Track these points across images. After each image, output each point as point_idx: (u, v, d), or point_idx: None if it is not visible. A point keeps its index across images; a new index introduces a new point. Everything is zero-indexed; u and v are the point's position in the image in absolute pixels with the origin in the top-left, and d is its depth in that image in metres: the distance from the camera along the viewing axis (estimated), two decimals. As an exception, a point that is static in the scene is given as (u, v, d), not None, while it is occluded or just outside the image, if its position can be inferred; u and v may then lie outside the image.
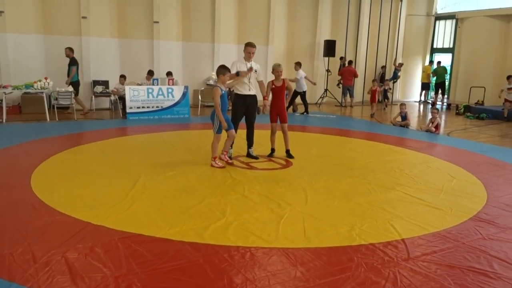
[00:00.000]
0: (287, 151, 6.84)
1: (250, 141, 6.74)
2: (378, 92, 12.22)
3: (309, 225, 4.00)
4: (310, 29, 15.89)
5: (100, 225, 3.82)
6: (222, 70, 5.96)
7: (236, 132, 6.37)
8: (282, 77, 6.73)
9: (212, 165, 6.10)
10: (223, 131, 6.05)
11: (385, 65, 16.87)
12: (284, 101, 6.80)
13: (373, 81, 13.35)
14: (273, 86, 6.69)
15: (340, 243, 3.64)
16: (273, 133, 6.83)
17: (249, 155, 6.74)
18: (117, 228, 3.78)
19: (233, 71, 6.28)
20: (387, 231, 3.94)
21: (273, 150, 6.87)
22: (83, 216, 4.02)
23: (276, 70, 6.66)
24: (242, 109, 6.43)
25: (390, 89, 14.51)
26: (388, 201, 4.81)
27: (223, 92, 5.89)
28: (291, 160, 6.63)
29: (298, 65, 12.70)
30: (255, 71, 6.44)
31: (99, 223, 3.87)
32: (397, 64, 16.81)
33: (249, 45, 6.43)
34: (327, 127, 10.31)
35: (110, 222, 3.90)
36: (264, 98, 6.55)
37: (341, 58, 15.79)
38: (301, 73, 12.56)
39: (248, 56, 6.42)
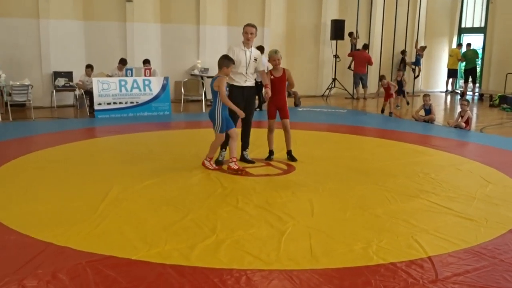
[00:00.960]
0: (289, 153, 6.84)
1: (245, 142, 6.75)
2: (392, 86, 12.02)
3: (316, 242, 3.99)
4: (314, 7, 15.92)
5: (64, 246, 3.79)
6: (226, 61, 6.10)
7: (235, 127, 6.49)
8: (282, 66, 6.71)
9: (203, 164, 6.29)
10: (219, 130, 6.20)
11: (405, 50, 16.89)
12: (285, 94, 6.78)
13: (399, 70, 13.12)
14: (272, 76, 6.66)
15: (354, 263, 3.62)
16: (270, 131, 6.83)
17: (243, 158, 6.73)
18: (85, 249, 3.74)
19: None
20: (410, 247, 3.93)
21: (271, 152, 6.88)
22: (43, 235, 3.98)
23: (273, 58, 6.58)
24: (242, 102, 6.48)
25: (405, 81, 14.03)
26: (411, 211, 4.81)
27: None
28: (293, 163, 6.62)
29: (260, 49, 12.57)
30: (255, 59, 6.52)
31: (63, 243, 3.84)
32: (418, 47, 16.85)
33: (247, 25, 6.52)
34: (336, 124, 10.32)
35: (77, 243, 3.86)
36: (265, 86, 6.60)
37: (350, 34, 15.75)
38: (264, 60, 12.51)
39: (246, 39, 6.47)
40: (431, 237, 4.15)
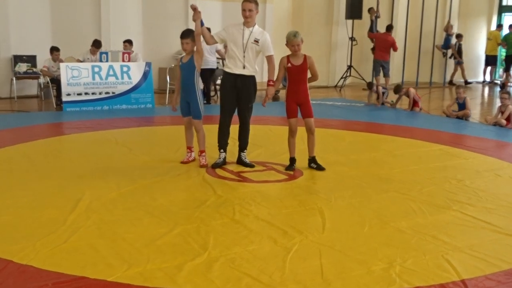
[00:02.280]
0: (312, 160, 6.63)
1: (242, 142, 6.73)
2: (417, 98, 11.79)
3: (328, 261, 3.99)
4: (326, -20, 15.95)
5: (26, 265, 3.78)
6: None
7: (228, 124, 6.55)
8: (302, 52, 6.39)
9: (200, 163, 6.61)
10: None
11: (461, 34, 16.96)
12: (307, 86, 6.51)
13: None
14: (289, 64, 6.41)
15: (373, 287, 3.63)
16: (292, 134, 6.56)
17: (241, 161, 6.74)
18: (51, 268, 3.74)
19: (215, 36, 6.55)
20: (440, 268, 3.93)
21: (293, 160, 6.64)
22: (1, 252, 3.98)
23: (291, 42, 6.29)
24: (232, 93, 6.45)
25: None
26: (441, 225, 4.81)
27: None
28: (299, 168, 6.60)
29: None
30: (255, 40, 6.41)
31: (24, 261, 3.83)
32: (449, 31, 16.89)
33: (244, 0, 6.44)
34: (352, 120, 10.32)
35: (41, 260, 3.86)
36: (269, 83, 6.50)
37: (370, 10, 15.71)
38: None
39: (244, 16, 6.42)
40: (465, 257, 4.15)
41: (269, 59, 6.51)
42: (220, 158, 6.61)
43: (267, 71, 6.57)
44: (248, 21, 6.41)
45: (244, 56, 6.39)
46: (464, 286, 3.68)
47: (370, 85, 12.98)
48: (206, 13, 14.02)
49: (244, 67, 6.42)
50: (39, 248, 4.08)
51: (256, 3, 6.45)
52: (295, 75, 6.44)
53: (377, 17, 15.77)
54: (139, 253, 4.05)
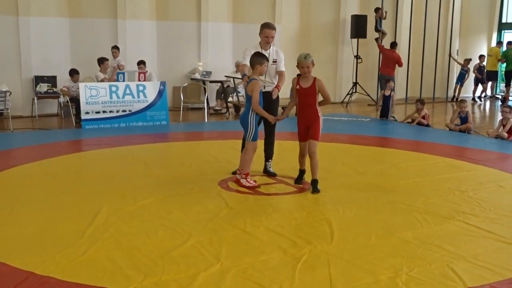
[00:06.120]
0: (313, 183, 6.20)
1: (269, 152, 6.89)
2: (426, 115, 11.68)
3: (336, 270, 3.97)
4: (332, 1, 16.08)
5: (47, 276, 3.79)
6: (259, 58, 6.17)
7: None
8: (312, 74, 6.19)
9: (237, 182, 6.35)
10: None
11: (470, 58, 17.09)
12: (317, 109, 6.20)
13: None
14: (298, 86, 6.23)
15: (380, 295, 3.60)
16: (302, 155, 6.48)
17: (266, 170, 6.91)
18: (70, 279, 3.74)
19: (246, 62, 6.47)
20: (445, 277, 3.90)
21: (302, 172, 6.58)
22: (23, 264, 3.99)
23: (301, 64, 6.09)
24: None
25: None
26: (445, 235, 4.78)
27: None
28: (308, 181, 6.57)
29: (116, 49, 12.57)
30: (274, 61, 6.62)
31: (45, 273, 3.84)
32: (459, 59, 16.92)
33: (267, 27, 6.60)
34: (358, 135, 10.30)
35: (61, 272, 3.86)
36: (277, 85, 6.62)
37: (376, 10, 15.69)
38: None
39: (265, 42, 6.59)
40: (469, 265, 4.12)
41: (281, 73, 6.70)
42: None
43: (278, 81, 6.69)
44: (268, 46, 6.61)
45: (265, 77, 6.55)
46: (469, 294, 3.65)
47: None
48: (218, 33, 14.23)
49: (267, 86, 6.61)
50: (59, 260, 4.09)
51: (275, 29, 6.72)
52: (304, 98, 6.22)
53: (382, 13, 15.70)
54: (154, 264, 4.05)
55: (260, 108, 6.18)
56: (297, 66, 6.19)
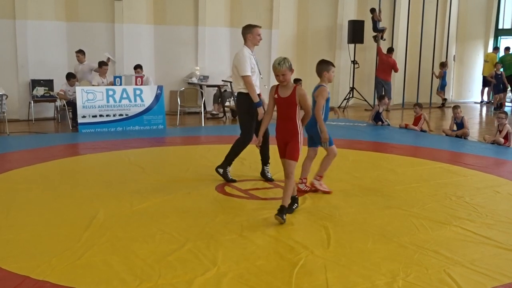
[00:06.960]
0: (281, 210, 5.19)
1: (266, 156, 6.85)
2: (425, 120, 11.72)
3: (333, 275, 3.97)
4: (329, 6, 16.07)
5: (42, 280, 3.79)
6: (325, 65, 6.12)
7: (250, 141, 6.56)
8: (291, 83, 5.24)
9: (313, 185, 6.31)
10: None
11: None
12: (297, 123, 5.27)
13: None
14: (276, 95, 5.29)
15: (377, 300, 3.61)
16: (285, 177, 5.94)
17: (264, 175, 6.89)
18: (66, 283, 3.74)
19: (249, 73, 6.42)
20: (442, 282, 3.90)
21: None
22: (19, 268, 3.98)
23: (275, 71, 5.12)
24: (256, 113, 6.53)
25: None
26: (442, 241, 4.79)
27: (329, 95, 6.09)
28: (308, 184, 6.58)
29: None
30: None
31: (41, 277, 3.84)
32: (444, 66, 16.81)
33: (256, 26, 6.58)
34: (355, 140, 10.30)
35: (57, 276, 3.86)
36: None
37: (372, 11, 15.73)
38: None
39: (257, 42, 6.58)
40: (466, 271, 4.12)
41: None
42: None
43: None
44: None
45: (257, 79, 6.58)
46: (465, 299, 3.65)
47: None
48: (215, 38, 14.24)
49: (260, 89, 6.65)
50: (55, 264, 4.08)
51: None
52: (282, 109, 5.30)
53: (378, 15, 15.72)
54: (151, 268, 4.04)
55: (321, 114, 5.96)
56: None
